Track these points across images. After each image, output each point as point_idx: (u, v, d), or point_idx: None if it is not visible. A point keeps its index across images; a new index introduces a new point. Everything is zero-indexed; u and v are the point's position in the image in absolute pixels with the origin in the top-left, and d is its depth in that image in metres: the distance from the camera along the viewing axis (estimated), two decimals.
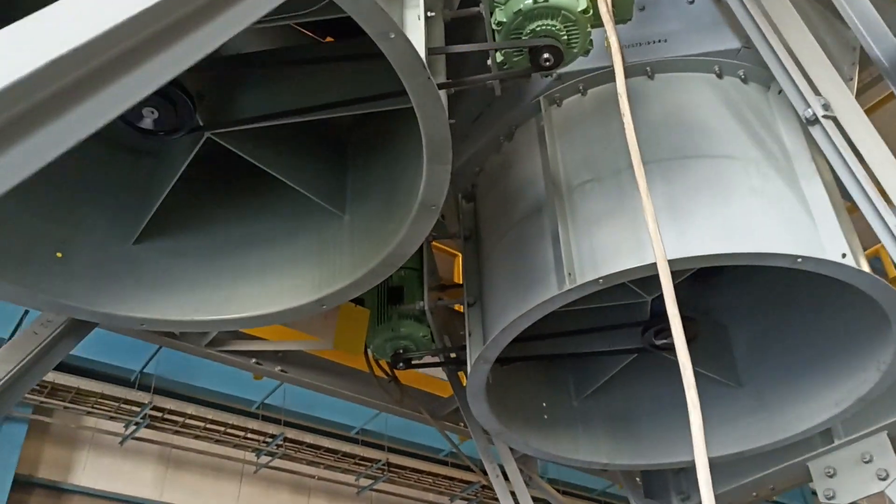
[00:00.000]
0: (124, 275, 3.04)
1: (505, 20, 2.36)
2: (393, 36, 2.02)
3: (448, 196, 4.04)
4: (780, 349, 3.88)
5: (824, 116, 2.86)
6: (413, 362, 3.78)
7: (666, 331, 3.55)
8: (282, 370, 5.04)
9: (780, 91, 3.35)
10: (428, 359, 4.07)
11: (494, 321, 3.29)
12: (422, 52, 2.11)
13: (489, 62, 2.51)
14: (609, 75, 3.35)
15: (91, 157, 3.15)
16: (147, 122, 2.52)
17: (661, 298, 3.54)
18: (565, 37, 2.39)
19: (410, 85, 2.14)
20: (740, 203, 2.95)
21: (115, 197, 3.16)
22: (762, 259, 2.80)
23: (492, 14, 2.39)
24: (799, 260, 2.79)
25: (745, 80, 3.37)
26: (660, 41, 3.36)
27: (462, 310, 3.72)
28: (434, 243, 4.21)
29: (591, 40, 2.49)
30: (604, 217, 3.07)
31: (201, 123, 2.64)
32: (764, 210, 2.94)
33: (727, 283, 4.08)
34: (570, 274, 2.95)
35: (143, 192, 3.10)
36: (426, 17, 2.19)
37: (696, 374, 3.97)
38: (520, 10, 2.34)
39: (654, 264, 2.79)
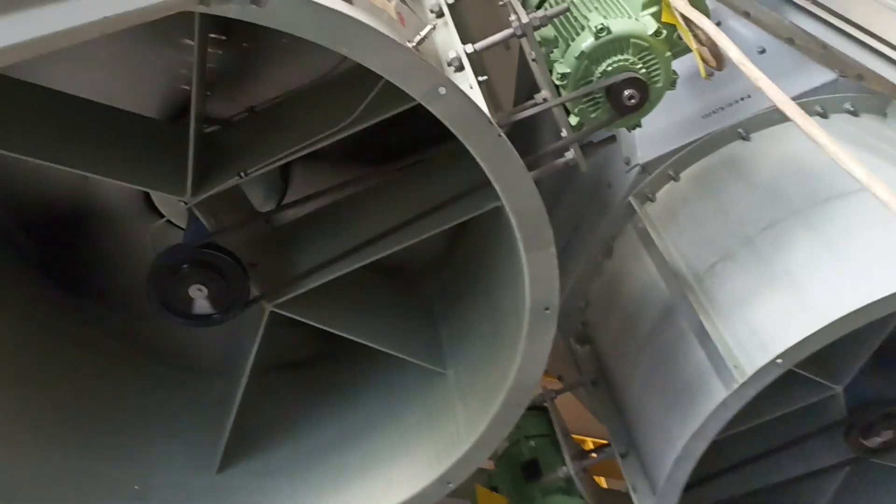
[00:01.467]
0: None
1: (569, 70, 2.02)
2: (444, 91, 1.68)
3: (557, 342, 3.59)
4: None
5: None
6: None
7: (879, 425, 2.82)
8: None
9: None
10: None
11: (660, 460, 2.64)
12: (483, 107, 1.75)
13: (562, 132, 2.13)
14: (699, 150, 2.97)
15: (159, 386, 2.80)
16: (198, 306, 2.16)
17: (857, 383, 2.88)
18: (644, 70, 2.02)
19: (479, 148, 1.76)
20: None
21: (191, 425, 2.75)
22: None
23: (551, 72, 2.05)
24: None
25: (855, 113, 2.92)
26: (743, 99, 2.98)
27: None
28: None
29: (674, 71, 2.11)
30: (751, 294, 2.52)
31: (258, 293, 2.27)
32: None
33: None
34: (736, 367, 2.35)
35: (217, 415, 2.69)
36: (478, 83, 1.87)
37: None
38: (582, 52, 2.00)
39: (839, 322, 2.22)
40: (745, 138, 2.93)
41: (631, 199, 3.06)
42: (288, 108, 2.37)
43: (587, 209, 3.30)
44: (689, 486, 2.60)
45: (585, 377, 3.26)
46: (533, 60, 2.02)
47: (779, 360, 2.28)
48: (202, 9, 1.21)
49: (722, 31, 3.10)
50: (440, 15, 2.14)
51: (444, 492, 2.39)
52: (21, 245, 2.73)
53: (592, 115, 2.08)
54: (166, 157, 2.19)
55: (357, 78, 2.11)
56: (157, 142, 2.28)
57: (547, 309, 2.05)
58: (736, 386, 2.32)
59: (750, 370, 2.31)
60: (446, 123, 1.73)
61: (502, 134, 1.76)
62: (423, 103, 1.70)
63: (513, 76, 3.06)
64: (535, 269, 1.98)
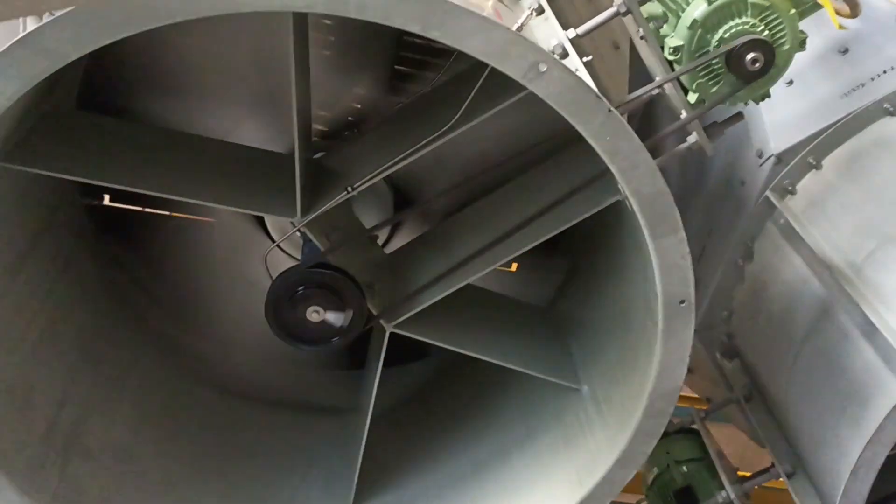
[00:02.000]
0: None
1: (682, 42, 1.87)
2: (545, 68, 1.58)
3: (702, 360, 3.33)
4: None
5: None
6: None
7: None
8: None
9: None
10: None
11: (833, 476, 2.34)
12: (590, 82, 1.63)
13: (682, 113, 1.97)
14: (842, 132, 2.71)
15: (291, 428, 2.77)
16: (313, 331, 2.11)
17: None
18: (767, 32, 1.84)
19: (588, 126, 1.64)
20: None
21: (324, 465, 2.69)
22: None
23: (663, 48, 1.90)
24: None
25: None
26: (886, 71, 2.71)
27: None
28: None
29: (802, 31, 1.92)
30: None
31: (374, 313, 2.20)
32: None
33: None
34: None
35: (348, 453, 2.63)
36: (584, 64, 1.75)
37: None
38: (694, 21, 1.85)
39: None
40: (894, 114, 2.64)
41: (769, 194, 2.81)
42: (392, 122, 2.34)
43: (720, 212, 3.07)
44: None
45: (737, 394, 2.98)
46: (641, 38, 1.88)
47: None
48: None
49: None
50: (540, 12, 2.05)
51: None
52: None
53: (713, 90, 1.91)
54: (274, 183, 2.19)
55: (456, 87, 2.05)
56: (267, 170, 2.29)
57: (682, 302, 1.87)
58: None
59: None
60: (551, 103, 1.62)
61: (613, 109, 1.63)
62: (525, 83, 1.60)
63: (625, 79, 2.92)
64: (664, 258, 1.81)
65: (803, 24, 1.96)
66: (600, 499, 2.17)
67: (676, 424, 3.28)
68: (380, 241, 2.65)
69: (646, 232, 1.78)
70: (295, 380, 3.02)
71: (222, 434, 2.64)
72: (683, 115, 1.95)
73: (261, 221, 2.70)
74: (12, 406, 2.07)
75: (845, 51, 2.79)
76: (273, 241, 2.56)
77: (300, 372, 3.02)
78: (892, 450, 2.30)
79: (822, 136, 2.71)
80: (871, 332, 2.24)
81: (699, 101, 1.93)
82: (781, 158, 2.77)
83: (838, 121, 2.69)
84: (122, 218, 2.75)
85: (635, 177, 1.70)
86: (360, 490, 2.50)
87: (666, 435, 3.19)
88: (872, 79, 2.71)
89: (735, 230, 2.97)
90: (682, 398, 4.90)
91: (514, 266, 3.13)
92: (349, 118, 2.53)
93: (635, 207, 1.75)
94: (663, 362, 1.96)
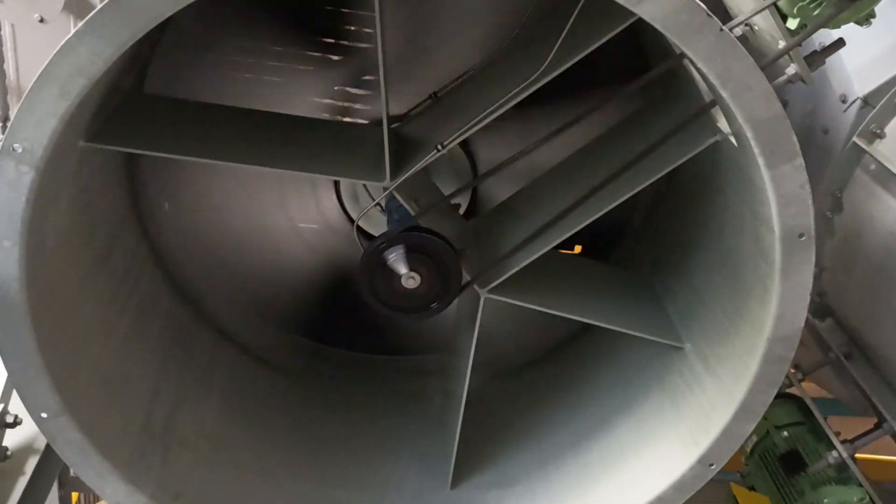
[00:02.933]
0: None
1: None
2: None
3: None
4: None
5: None
6: None
7: None
8: None
9: None
10: None
11: None
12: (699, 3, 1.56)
13: (780, 43, 1.88)
14: None
15: (387, 409, 2.72)
16: (410, 298, 2.05)
17: None
18: None
19: (700, 48, 1.56)
20: None
21: (420, 443, 2.63)
22: None
23: None
24: None
25: None
26: None
27: None
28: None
29: None
30: None
31: (468, 278, 2.13)
32: None
33: None
34: None
35: (439, 428, 2.56)
36: None
37: None
38: None
39: None
40: None
41: (856, 139, 2.70)
42: (470, 84, 2.28)
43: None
44: None
45: (835, 353, 2.86)
46: None
47: None
48: None
49: None
50: None
51: (707, 475, 2.11)
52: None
53: (815, 13, 1.82)
54: (358, 151, 2.15)
55: (537, 37, 1.99)
56: (347, 139, 2.26)
57: (802, 235, 1.77)
58: None
59: None
60: (658, 27, 1.55)
61: (725, 28, 1.55)
62: (630, 7, 1.53)
63: None
64: (782, 188, 1.71)
65: None
66: (719, 455, 2.07)
67: None
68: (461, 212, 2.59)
69: (761, 161, 1.69)
70: (372, 365, 2.98)
71: (313, 420, 2.60)
72: (781, 43, 1.86)
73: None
74: (111, 395, 2.04)
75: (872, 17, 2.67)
76: (352, 220, 2.51)
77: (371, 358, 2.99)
78: None
79: None
80: None
81: (800, 27, 1.84)
82: (868, 101, 2.66)
83: None
84: None
85: (749, 100, 1.62)
86: (458, 466, 2.43)
87: None
88: None
89: (820, 181, 2.85)
90: None
91: (578, 248, 3.05)
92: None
93: (749, 135, 1.67)
94: (782, 303, 1.86)
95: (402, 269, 1.97)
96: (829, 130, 2.81)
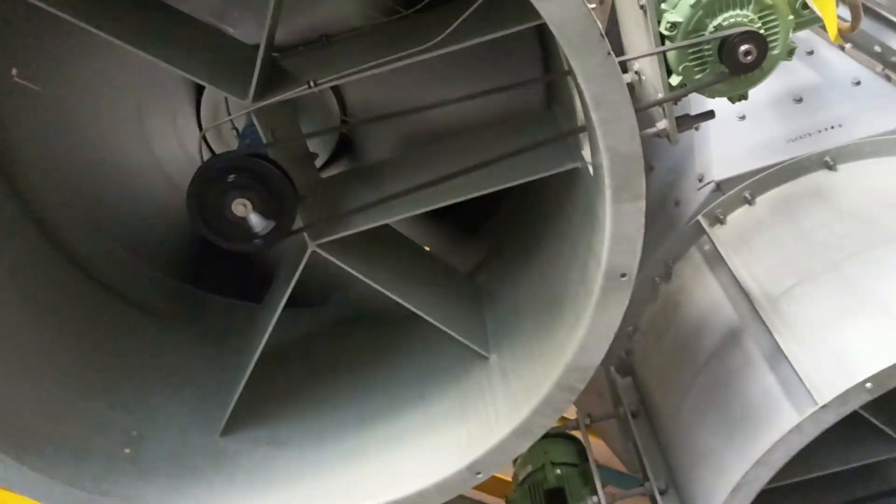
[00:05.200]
0: (211, 472, 2.30)
1: (681, 20, 1.85)
2: None
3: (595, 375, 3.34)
4: None
5: None
6: None
7: None
8: None
9: None
10: None
11: (707, 495, 2.36)
12: (597, 22, 1.58)
13: (659, 94, 1.95)
14: (781, 175, 2.78)
15: (160, 329, 2.59)
16: (235, 227, 1.95)
17: None
18: (762, 31, 1.85)
19: (585, 66, 1.58)
20: None
21: (198, 381, 2.52)
22: None
23: (659, 22, 1.89)
24: None
25: None
26: (833, 127, 2.81)
27: None
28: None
29: (792, 41, 1.94)
30: (835, 318, 2.28)
31: (300, 225, 2.06)
32: None
33: None
34: (815, 390, 2.10)
35: (229, 374, 2.46)
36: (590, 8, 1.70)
37: None
38: (697, 1, 1.84)
39: None
40: (832, 168, 2.74)
41: (700, 218, 2.85)
42: (366, 38, 2.22)
43: (650, 227, 3.07)
44: None
45: (625, 409, 2.99)
46: (641, 7, 1.86)
47: (868, 385, 2.04)
48: None
49: (816, 60, 3.00)
50: None
51: (471, 482, 2.13)
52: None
53: (698, 76, 1.91)
54: (233, 65, 2.05)
55: (445, 14, 1.97)
56: (229, 52, 2.14)
57: (624, 276, 1.83)
58: (814, 409, 2.06)
59: (831, 394, 2.07)
60: (554, 29, 1.56)
61: (612, 53, 1.58)
62: (534, 2, 1.53)
63: None
64: (619, 226, 1.76)
65: None
66: (488, 466, 2.10)
67: (558, 428, 3.26)
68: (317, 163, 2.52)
69: (608, 193, 1.73)
70: (183, 296, 2.84)
71: (107, 334, 2.45)
72: (660, 94, 1.93)
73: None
74: None
75: (800, 100, 2.88)
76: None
77: (185, 288, 2.85)
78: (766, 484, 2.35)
79: (762, 175, 2.77)
80: (776, 359, 2.27)
81: (680, 85, 1.92)
82: (720, 186, 2.82)
83: (780, 163, 2.76)
84: None
85: (615, 131, 1.66)
86: (234, 416, 2.35)
87: (546, 436, 3.19)
88: (819, 131, 2.81)
89: (659, 248, 2.99)
90: None
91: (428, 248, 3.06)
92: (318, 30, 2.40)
93: (605, 165, 1.71)
94: (588, 335, 1.91)
95: (235, 193, 1.87)
96: (680, 203, 2.96)
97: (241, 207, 1.92)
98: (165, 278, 2.81)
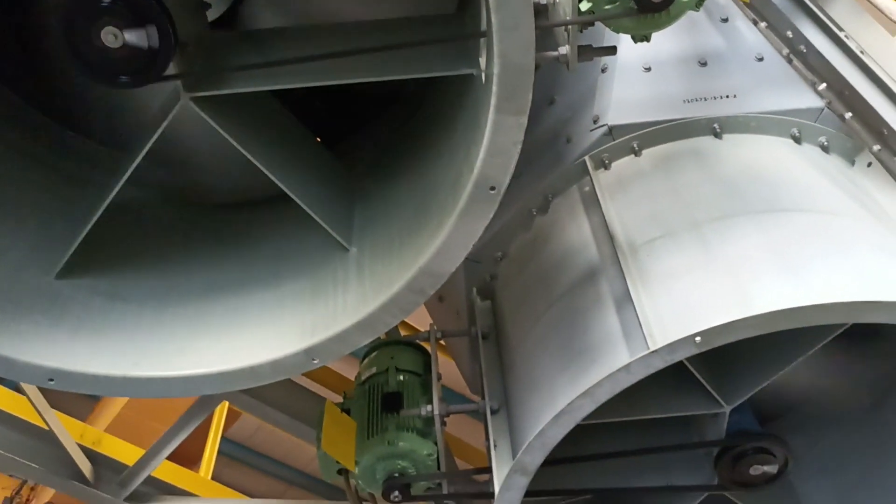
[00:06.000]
0: (37, 313, 2.20)
1: None
2: None
3: (457, 294, 3.38)
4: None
5: None
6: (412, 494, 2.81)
7: (751, 458, 2.72)
8: None
9: (870, 164, 2.86)
10: None
11: (534, 419, 2.44)
12: None
13: (566, 28, 1.93)
14: (670, 132, 2.84)
15: (15, 162, 2.43)
16: (102, 57, 1.81)
17: (744, 408, 2.78)
18: None
19: None
20: (866, 256, 2.31)
21: (47, 220, 2.38)
22: None
23: None
24: None
25: (826, 150, 2.86)
26: (727, 97, 2.88)
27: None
28: None
29: None
30: (687, 273, 2.37)
31: (175, 72, 1.94)
32: None
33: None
34: (650, 335, 2.20)
35: (79, 218, 2.34)
36: None
37: None
38: None
39: (773, 315, 2.10)
40: (718, 135, 2.81)
41: (587, 159, 2.89)
42: None
43: (538, 159, 3.12)
44: (546, 464, 2.43)
45: (477, 330, 3.04)
46: None
47: (697, 339, 2.13)
48: None
49: (728, 29, 3.05)
50: None
51: (306, 366, 2.13)
52: None
53: (607, 7, 1.89)
54: None
55: None
56: None
57: (493, 189, 1.83)
58: (644, 353, 2.16)
59: (663, 341, 2.16)
60: None
61: None
62: None
63: None
64: (497, 137, 1.75)
65: None
66: (325, 354, 2.10)
67: (409, 337, 3.31)
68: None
69: (492, 103, 1.71)
70: (52, 135, 2.66)
71: None
72: (569, 16, 1.91)
73: None
74: None
75: (704, 63, 2.93)
76: None
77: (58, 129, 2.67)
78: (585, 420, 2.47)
79: (653, 128, 2.82)
80: (624, 304, 2.35)
81: (588, 12, 1.90)
82: (612, 132, 2.85)
83: (672, 120, 2.82)
84: None
85: (510, 39, 1.62)
86: (75, 262, 2.25)
87: (397, 343, 3.22)
88: (715, 98, 2.87)
89: (543, 181, 3.02)
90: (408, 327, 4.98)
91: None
92: None
93: (495, 73, 1.68)
94: (447, 242, 1.91)
95: (107, 19, 1.74)
96: (571, 141, 2.98)
97: (111, 37, 1.79)
98: (39, 115, 2.63)
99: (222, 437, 8.39)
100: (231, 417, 6.73)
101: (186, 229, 2.60)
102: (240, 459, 9.81)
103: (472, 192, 1.83)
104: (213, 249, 2.52)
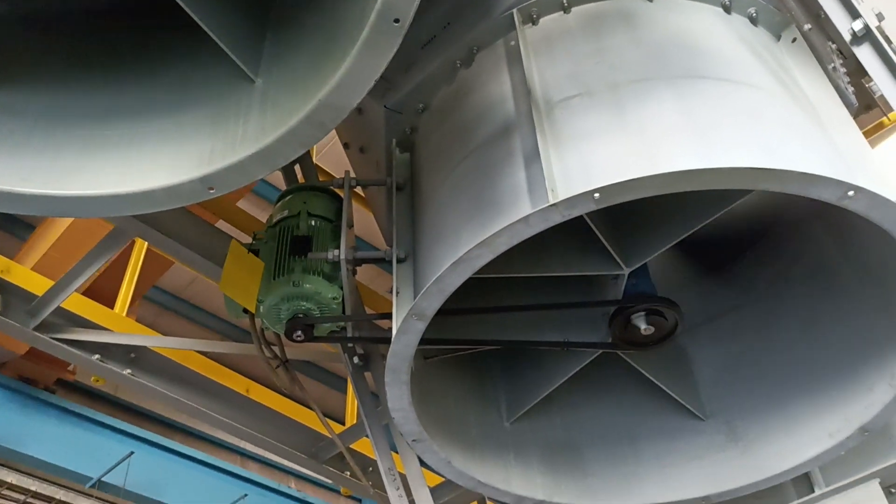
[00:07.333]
0: None
1: None
2: None
3: (378, 146, 3.33)
4: (756, 370, 3.21)
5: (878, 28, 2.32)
6: (315, 335, 2.86)
7: (642, 318, 2.82)
8: (130, 373, 3.98)
9: (795, 40, 2.85)
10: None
11: (436, 266, 2.47)
12: None
13: None
14: None
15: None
16: None
17: (643, 270, 2.87)
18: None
19: None
20: (774, 129, 2.33)
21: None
22: (809, 184, 2.14)
23: None
24: (850, 193, 2.16)
25: (754, 22, 2.84)
26: None
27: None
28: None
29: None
30: (597, 132, 2.37)
31: None
32: (803, 141, 2.33)
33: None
34: (552, 190, 2.21)
35: None
36: None
37: (658, 396, 3.25)
38: None
39: (674, 175, 2.12)
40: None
41: (515, 11, 2.82)
42: None
43: (465, 10, 3.02)
44: (444, 312, 2.48)
45: (392, 180, 3.02)
46: None
47: (596, 195, 2.16)
48: None
49: None
50: None
51: (202, 195, 2.10)
52: None
53: None
54: None
55: None
56: None
57: (397, 21, 1.76)
58: (545, 205, 2.17)
59: (564, 195, 2.18)
60: None
61: None
62: None
63: None
64: None
65: None
66: (222, 183, 2.06)
67: (324, 183, 3.28)
68: None
69: None
70: None
71: None
72: None
73: None
74: None
75: None
76: None
77: None
78: (492, 273, 2.51)
79: None
80: (533, 159, 2.35)
81: None
82: None
83: None
84: None
85: None
86: None
87: (312, 189, 3.19)
88: None
89: (469, 33, 2.94)
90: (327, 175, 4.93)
91: None
92: None
93: None
94: (348, 75, 1.86)
95: None
96: None
97: None
98: None
99: (156, 287, 8.31)
100: (162, 265, 6.68)
101: (91, 51, 2.47)
102: (173, 309, 9.82)
103: (375, 22, 1.76)
104: (116, 73, 2.41)
